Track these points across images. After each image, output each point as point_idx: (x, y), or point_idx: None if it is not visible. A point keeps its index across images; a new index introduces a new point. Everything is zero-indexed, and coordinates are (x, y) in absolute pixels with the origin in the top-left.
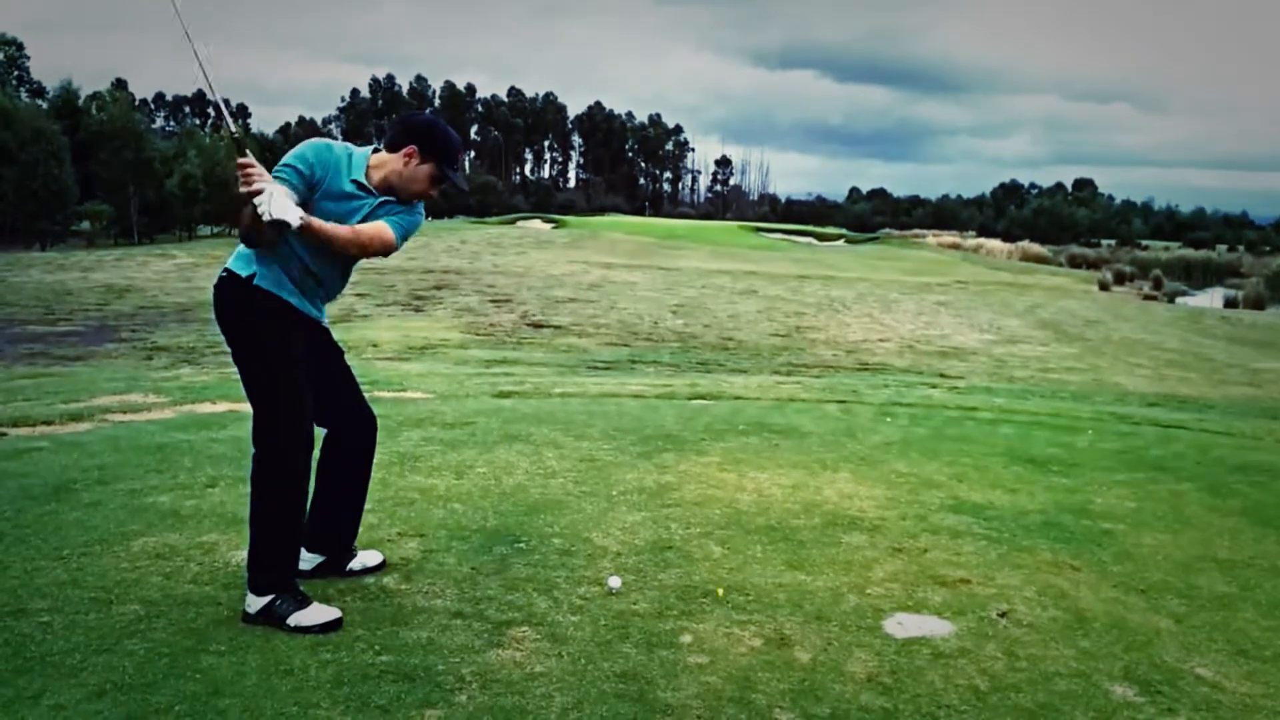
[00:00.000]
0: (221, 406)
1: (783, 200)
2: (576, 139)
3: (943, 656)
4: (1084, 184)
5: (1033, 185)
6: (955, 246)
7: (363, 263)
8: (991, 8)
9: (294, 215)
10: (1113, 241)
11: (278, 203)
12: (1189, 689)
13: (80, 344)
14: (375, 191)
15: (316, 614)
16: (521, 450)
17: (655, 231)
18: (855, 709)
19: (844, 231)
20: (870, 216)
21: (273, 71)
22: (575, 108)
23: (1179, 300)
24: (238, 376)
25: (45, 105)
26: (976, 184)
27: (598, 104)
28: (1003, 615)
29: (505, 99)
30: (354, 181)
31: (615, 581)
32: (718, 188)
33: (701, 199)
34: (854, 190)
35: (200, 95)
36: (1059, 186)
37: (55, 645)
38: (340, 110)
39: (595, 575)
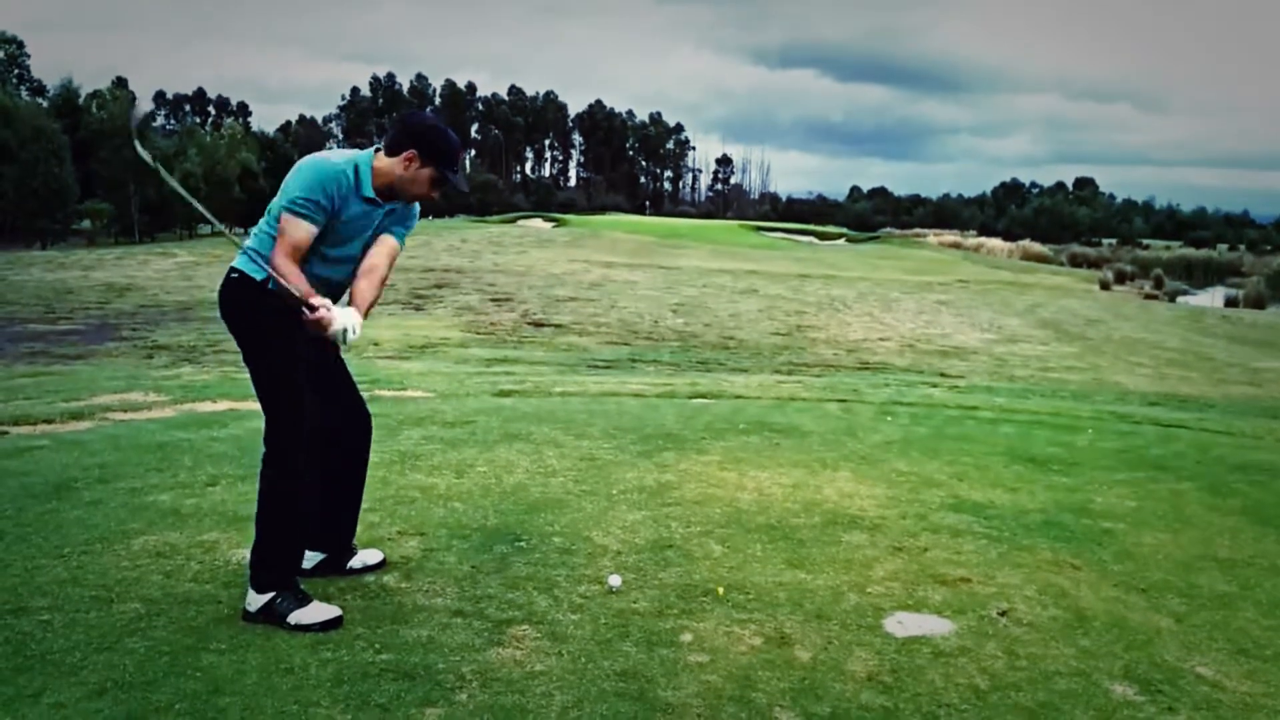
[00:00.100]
0: (222, 405)
1: (783, 199)
2: (577, 138)
3: (943, 655)
4: (1085, 183)
5: (1033, 184)
6: (956, 246)
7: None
8: (992, 7)
9: (358, 322)
10: (1114, 241)
11: (352, 324)
12: (1189, 688)
13: (81, 342)
14: (381, 201)
15: (317, 612)
16: (522, 449)
17: (656, 230)
18: (855, 708)
19: (845, 230)
20: (871, 215)
21: (273, 70)
22: (576, 106)
23: (1180, 299)
24: (238, 375)
25: (46, 104)
26: (977, 183)
27: (598, 102)
28: (1003, 614)
29: (506, 97)
30: (365, 199)
31: (615, 580)
32: (718, 186)
33: (702, 198)
34: (855, 189)
35: (200, 93)
36: (1060, 186)
37: (56, 643)
38: (341, 109)
39: (595, 574)
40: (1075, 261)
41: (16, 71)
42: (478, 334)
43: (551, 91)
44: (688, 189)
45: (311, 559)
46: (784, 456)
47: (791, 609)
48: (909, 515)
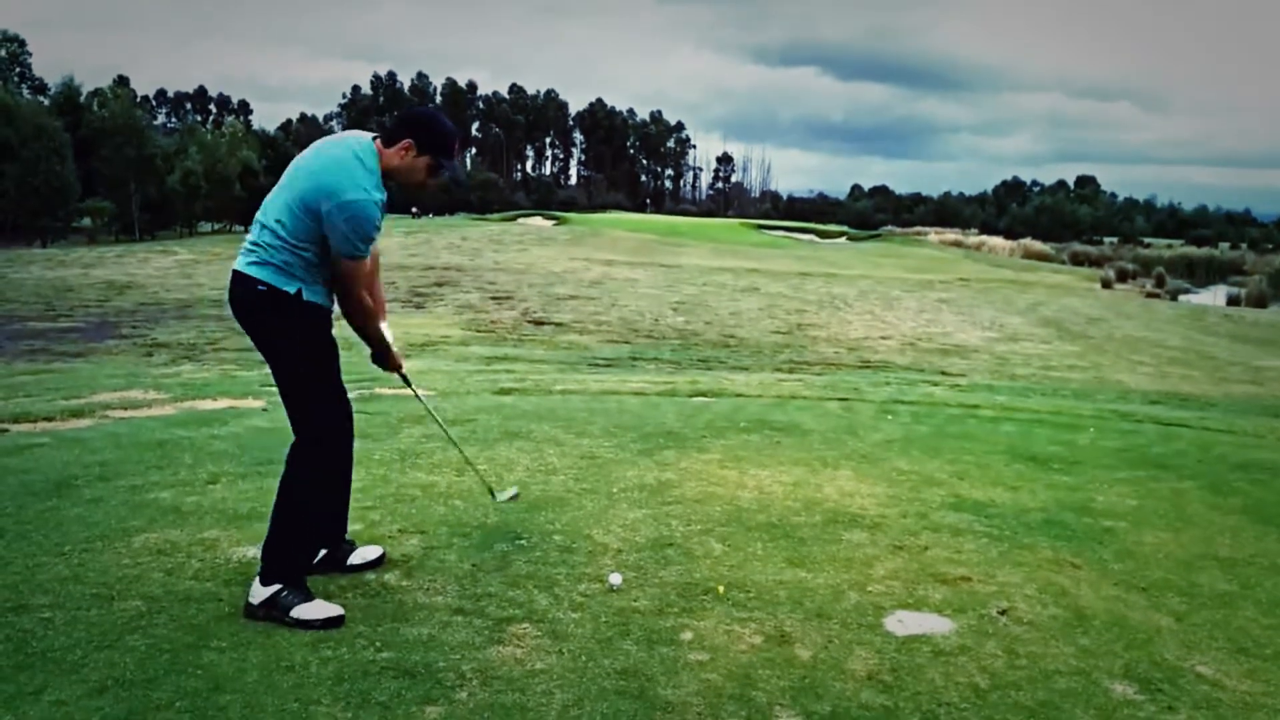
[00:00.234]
0: (222, 403)
1: (784, 197)
2: (578, 136)
3: (943, 654)
4: (1086, 181)
5: (1035, 183)
6: (957, 244)
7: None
8: (993, 6)
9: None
10: (1115, 239)
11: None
12: (1189, 687)
13: (81, 340)
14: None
15: (320, 609)
16: (522, 447)
17: (657, 229)
18: (856, 706)
19: (846, 229)
20: (872, 214)
21: (274, 68)
22: (577, 105)
23: (1181, 298)
24: (238, 373)
25: (47, 102)
26: (979, 181)
27: (599, 101)
28: (1003, 613)
29: (507, 96)
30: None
31: (616, 578)
32: (719, 185)
33: (703, 196)
34: (856, 188)
35: (202, 91)
36: (1061, 184)
37: (57, 641)
38: (341, 107)
39: (596, 572)
40: (1077, 260)
41: (18, 70)
42: (478, 332)
43: (552, 90)
44: (688, 187)
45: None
46: (785, 455)
47: (792, 607)
48: (909, 514)
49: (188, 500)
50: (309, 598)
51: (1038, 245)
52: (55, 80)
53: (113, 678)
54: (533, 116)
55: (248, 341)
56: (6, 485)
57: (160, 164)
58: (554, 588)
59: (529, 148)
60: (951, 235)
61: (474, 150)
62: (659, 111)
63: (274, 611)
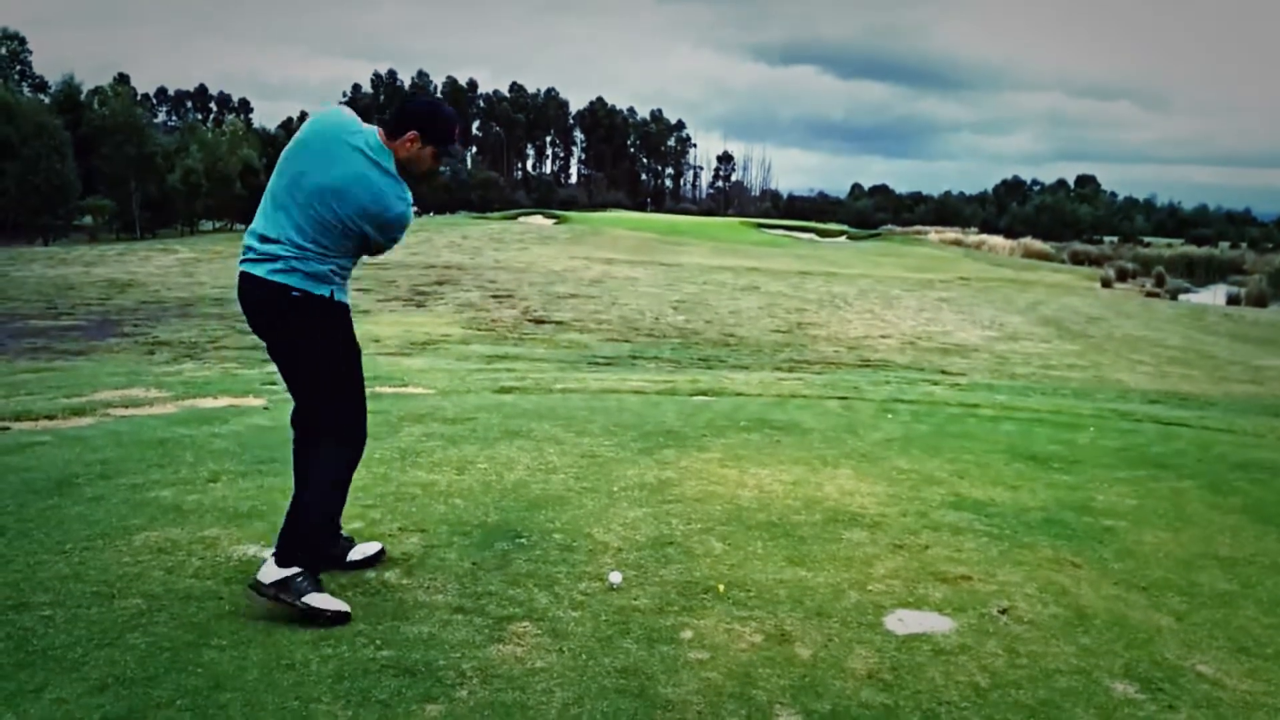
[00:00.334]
0: (223, 401)
1: (785, 196)
2: (578, 135)
3: (943, 653)
4: (1086, 180)
5: (1035, 182)
6: (957, 243)
7: (364, 259)
8: (994, 5)
9: None
10: (1115, 238)
11: None
12: (1190, 686)
13: (82, 339)
14: None
15: (330, 601)
16: (523, 446)
17: (657, 227)
18: (856, 705)
19: (846, 228)
20: (872, 213)
21: (275, 67)
22: (577, 103)
23: (1181, 297)
24: (239, 371)
25: (47, 100)
26: (979, 180)
27: (599, 100)
28: (1003, 612)
29: (507, 94)
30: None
31: (616, 577)
32: (719, 184)
33: (703, 195)
34: (856, 186)
35: (202, 89)
36: (1061, 183)
37: (57, 639)
38: (342, 105)
39: (596, 571)
40: (1077, 259)
41: (18, 68)
42: (479, 331)
43: (553, 89)
44: (689, 186)
45: None
46: (785, 454)
47: (792, 606)
48: (910, 513)
49: (188, 498)
50: (321, 589)
51: (1038, 244)
52: (56, 78)
53: (113, 675)
54: (533, 115)
55: (249, 340)
56: (8, 483)
57: (161, 162)
58: (554, 586)
59: (529, 146)
60: (951, 234)
61: (474, 149)
62: (659, 110)
63: (284, 594)
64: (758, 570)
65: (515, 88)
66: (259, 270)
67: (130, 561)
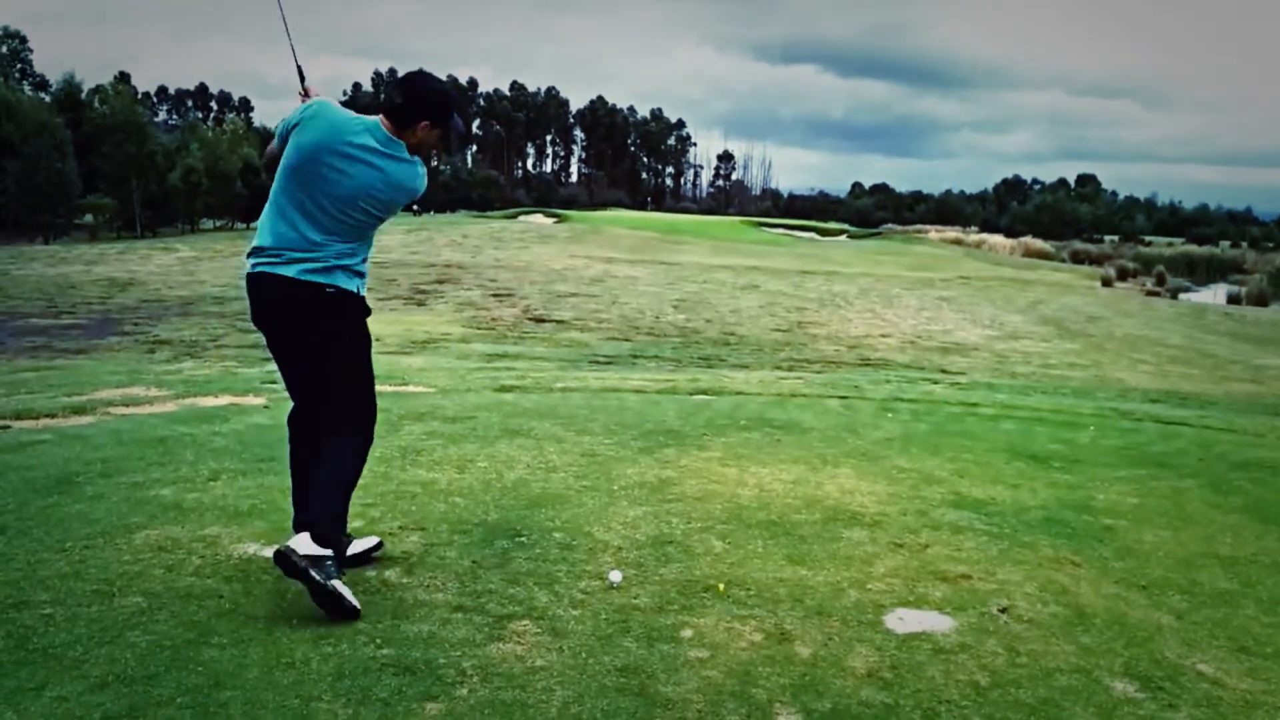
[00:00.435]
0: (223, 400)
1: (785, 195)
2: (579, 133)
3: (943, 652)
4: (1087, 179)
5: (1035, 181)
6: (958, 242)
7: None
8: (994, 4)
9: None
10: (1116, 237)
11: None
12: (1190, 685)
13: (83, 337)
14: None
15: (349, 593)
16: (523, 445)
17: (657, 226)
18: (856, 704)
19: (846, 227)
20: (873, 212)
21: (275, 66)
22: (577, 102)
23: (1182, 296)
24: (239, 370)
25: (48, 98)
26: (979, 179)
27: (600, 98)
28: (1004, 611)
29: (508, 93)
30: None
31: (616, 576)
32: (720, 183)
33: (704, 194)
34: (856, 185)
35: (203, 88)
36: (1062, 182)
37: (57, 637)
38: (342, 104)
39: (596, 570)
40: (1077, 258)
41: (19, 66)
42: (479, 329)
43: (553, 87)
44: (689, 185)
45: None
46: (785, 453)
47: (792, 605)
48: (910, 512)
49: (189, 497)
50: (342, 576)
51: (1038, 243)
52: (56, 77)
53: (114, 674)
54: (534, 114)
55: (250, 339)
56: (8, 481)
57: (161, 161)
58: (554, 585)
59: (530, 145)
60: (952, 233)
61: (475, 148)
62: (660, 109)
63: (314, 570)
64: (758, 569)
65: (516, 86)
66: (292, 271)
67: (131, 560)
